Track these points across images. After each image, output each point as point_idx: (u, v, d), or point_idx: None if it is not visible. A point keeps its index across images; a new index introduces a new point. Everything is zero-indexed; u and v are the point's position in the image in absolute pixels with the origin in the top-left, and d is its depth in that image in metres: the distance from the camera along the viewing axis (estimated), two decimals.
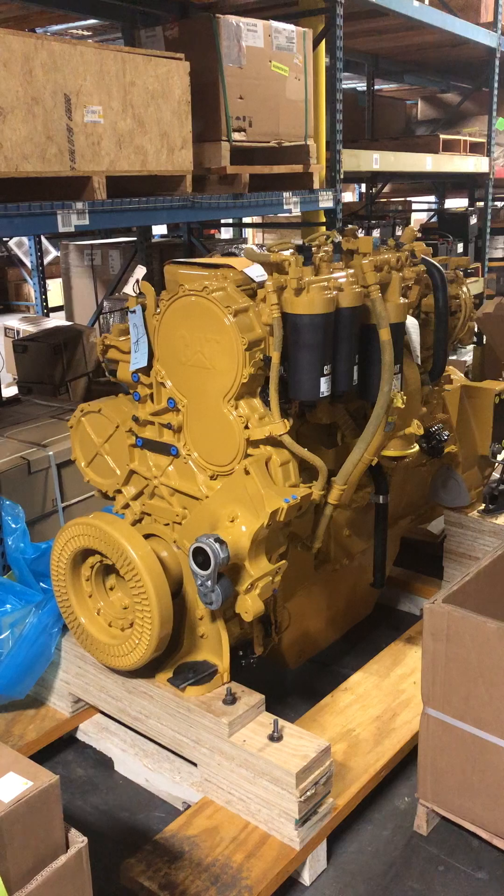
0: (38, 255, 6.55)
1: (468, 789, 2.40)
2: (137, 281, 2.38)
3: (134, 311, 2.46)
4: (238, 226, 7.79)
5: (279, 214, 5.36)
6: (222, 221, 8.05)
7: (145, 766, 2.69)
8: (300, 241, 2.36)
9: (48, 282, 7.71)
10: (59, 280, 7.26)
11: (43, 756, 2.86)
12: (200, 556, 2.24)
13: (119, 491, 2.71)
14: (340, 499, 2.51)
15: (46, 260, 6.76)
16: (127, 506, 2.70)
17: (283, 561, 2.40)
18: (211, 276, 2.41)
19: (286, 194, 4.66)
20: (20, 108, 3.23)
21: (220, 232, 9.34)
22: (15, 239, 6.68)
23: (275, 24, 4.41)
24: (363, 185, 9.18)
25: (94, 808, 2.68)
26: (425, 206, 11.57)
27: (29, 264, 6.59)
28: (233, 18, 4.17)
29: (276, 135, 4.57)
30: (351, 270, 2.37)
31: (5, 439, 4.10)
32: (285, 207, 4.73)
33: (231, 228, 8.52)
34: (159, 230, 10.44)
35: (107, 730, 2.86)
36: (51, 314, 7.08)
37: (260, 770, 2.31)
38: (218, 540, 2.22)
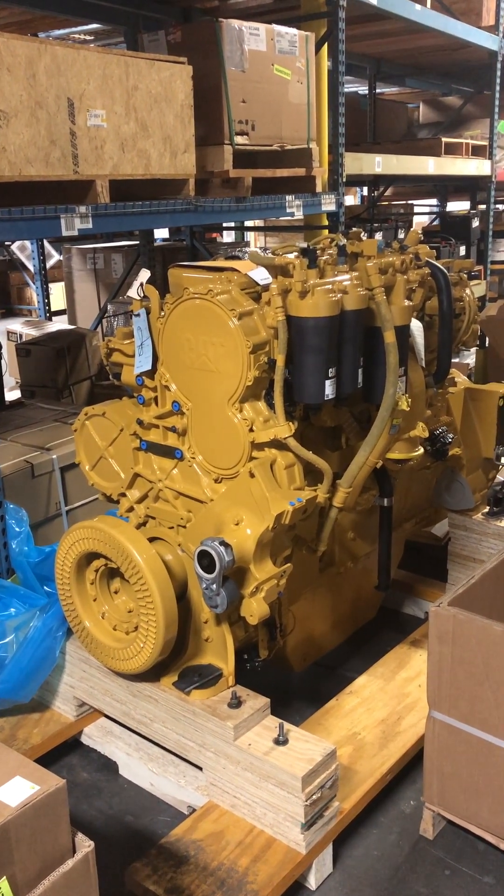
0: (41, 258, 6.56)
1: (474, 793, 2.39)
2: (141, 285, 2.38)
3: (138, 315, 2.46)
4: (240, 229, 7.80)
5: (282, 218, 5.37)
6: (224, 225, 8.06)
7: (150, 769, 2.69)
8: (305, 245, 2.36)
9: (51, 286, 7.73)
10: (62, 284, 7.27)
11: (47, 760, 2.86)
12: (205, 560, 2.24)
13: (123, 494, 2.71)
14: (345, 502, 2.50)
15: (49, 264, 6.78)
16: (131, 509, 2.70)
17: (289, 564, 2.40)
18: (215, 279, 2.41)
19: (289, 197, 4.67)
20: (24, 112, 3.24)
21: (221, 235, 9.37)
22: (17, 243, 6.69)
23: (277, 27, 4.42)
24: (365, 189, 9.18)
25: (98, 812, 2.67)
26: (427, 210, 11.57)
27: (31, 268, 6.61)
28: (235, 22, 4.18)
29: (278, 138, 4.58)
30: (355, 273, 2.37)
31: (8, 443, 4.11)
32: (288, 210, 4.73)
33: (233, 232, 8.53)
34: (161, 234, 10.47)
35: (111, 733, 2.85)
36: (53, 318, 7.10)
37: (265, 774, 2.30)
38: (223, 543, 2.22)
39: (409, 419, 2.65)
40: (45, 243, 6.65)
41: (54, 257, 6.89)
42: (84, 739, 2.93)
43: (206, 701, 2.46)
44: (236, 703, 2.43)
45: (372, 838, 2.54)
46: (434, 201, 11.23)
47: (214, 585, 2.23)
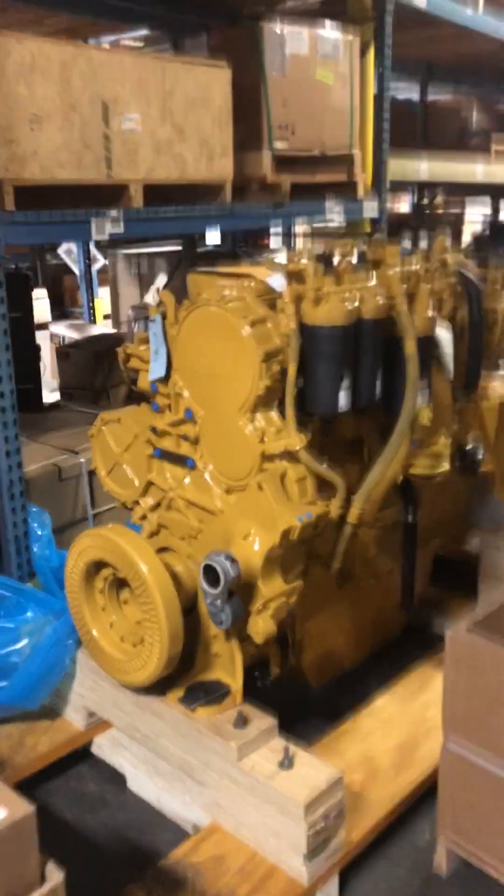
0: (87, 262, 6.60)
1: (490, 829, 2.27)
2: (158, 290, 2.33)
3: (153, 321, 2.41)
4: (287, 235, 7.75)
5: (328, 224, 5.29)
6: (271, 231, 8.01)
7: (157, 784, 2.63)
8: (321, 251, 2.29)
9: (100, 290, 7.76)
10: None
11: (57, 768, 2.82)
12: (210, 574, 2.17)
13: (137, 502, 2.66)
14: (360, 518, 2.41)
15: (95, 268, 6.81)
16: (144, 517, 2.65)
17: (299, 581, 2.31)
18: (231, 285, 2.34)
19: (329, 202, 4.58)
20: (56, 115, 3.23)
21: (269, 241, 9.34)
22: (63, 247, 6.75)
23: (320, 31, 4.34)
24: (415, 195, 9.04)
25: (102, 826, 2.62)
26: (480, 217, 11.33)
27: (77, 272, 6.66)
28: (277, 26, 4.11)
29: (319, 143, 4.49)
30: (375, 281, 2.28)
31: (40, 445, 4.11)
32: (328, 216, 4.65)
33: (279, 238, 8.53)
34: (213, 239, 10.47)
35: (121, 745, 2.79)
36: (102, 321, 7.11)
37: (268, 798, 2.22)
38: (229, 557, 2.15)
39: (433, 433, 2.54)
40: (91, 247, 6.70)
41: (100, 261, 6.93)
42: (94, 749, 2.89)
43: (212, 719, 2.39)
44: (242, 722, 2.35)
45: (381, 871, 2.43)
46: (487, 209, 10.98)
47: (219, 601, 2.16)
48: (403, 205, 13.46)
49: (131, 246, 7.79)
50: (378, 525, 2.72)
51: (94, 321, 6.79)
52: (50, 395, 5.94)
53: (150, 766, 2.67)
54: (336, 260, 2.28)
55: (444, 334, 2.67)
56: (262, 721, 2.38)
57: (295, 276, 2.19)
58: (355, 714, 2.89)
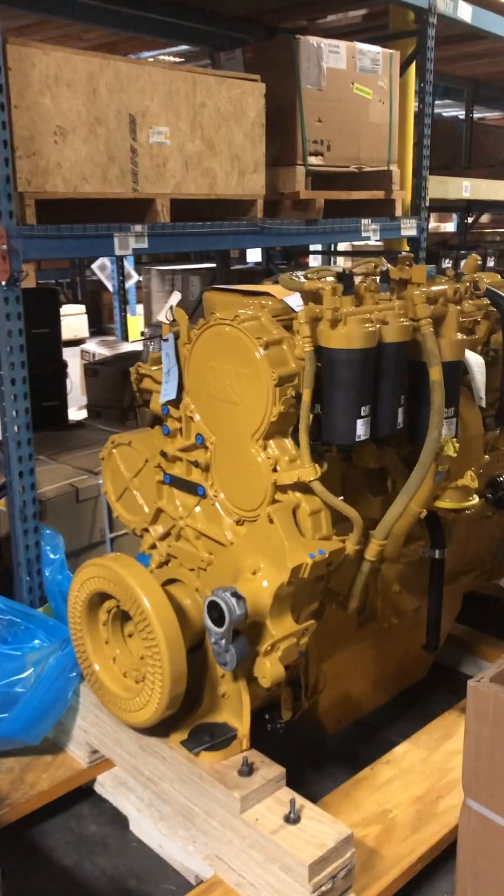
0: (120, 279, 6.55)
1: None
2: (171, 308, 2.23)
3: (166, 340, 2.30)
4: (326, 253, 7.63)
5: (368, 242, 5.16)
6: (311, 249, 7.89)
7: (160, 830, 2.48)
8: (341, 269, 2.14)
9: (138, 307, 7.69)
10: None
11: (57, 807, 2.69)
12: (215, 612, 2.03)
13: (147, 529, 2.54)
14: (380, 555, 2.25)
15: (129, 284, 6.76)
16: (154, 546, 2.52)
17: (312, 621, 2.16)
18: (248, 304, 2.22)
19: (364, 221, 4.45)
20: (82, 127, 3.15)
21: (309, 260, 9.23)
22: (97, 263, 6.72)
23: (359, 45, 4.22)
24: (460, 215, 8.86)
25: (101, 872, 2.48)
26: None
27: (111, 288, 6.61)
28: (313, 39, 4.01)
29: (356, 159, 4.37)
30: (400, 302, 2.13)
31: (59, 465, 4.01)
32: (363, 235, 4.51)
33: (319, 256, 8.40)
34: (254, 257, 10.37)
35: (124, 785, 2.65)
36: (135, 338, 7.05)
37: (271, 855, 2.06)
38: (235, 594, 2.01)
39: (462, 465, 2.38)
40: (125, 264, 6.66)
41: (134, 278, 6.88)
42: (97, 788, 2.75)
43: (216, 765, 2.24)
44: (248, 770, 2.20)
45: None
46: None
47: (223, 641, 2.02)
48: (449, 225, 13.28)
49: (166, 263, 7.75)
50: (402, 561, 2.56)
51: (127, 338, 6.72)
52: (78, 413, 5.89)
53: (154, 810, 2.52)
54: (358, 279, 2.13)
55: (474, 359, 2.51)
56: (270, 770, 2.22)
57: (312, 296, 2.05)
58: (374, 761, 2.71)
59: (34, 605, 3.22)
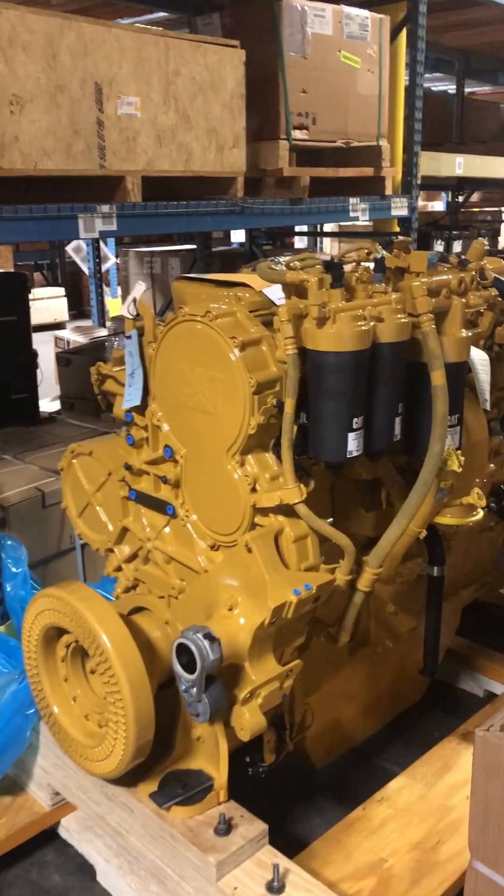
0: (96, 261, 6.22)
1: None
2: (135, 300, 1.94)
3: (129, 338, 2.00)
4: (313, 234, 7.30)
5: (355, 223, 4.87)
6: (296, 230, 7.57)
7: (129, 884, 2.21)
8: (329, 256, 1.83)
9: (119, 289, 7.36)
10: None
11: (18, 854, 2.42)
12: (185, 656, 1.75)
13: (112, 549, 2.25)
14: (374, 584, 1.97)
15: (107, 266, 6.44)
16: (119, 569, 2.24)
17: (298, 661, 1.88)
18: (222, 296, 1.92)
19: (353, 200, 4.15)
20: (41, 96, 2.84)
21: (294, 241, 8.90)
22: (73, 244, 6.37)
23: (346, 9, 3.90)
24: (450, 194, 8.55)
25: None
26: None
27: (86, 271, 6.29)
28: (297, 2, 3.69)
29: (343, 133, 4.06)
30: (397, 295, 1.84)
31: (25, 465, 3.72)
32: (351, 215, 4.22)
33: (305, 237, 8.06)
34: (239, 237, 10.02)
35: (91, 830, 2.38)
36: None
37: None
38: (208, 636, 1.73)
39: (465, 477, 2.10)
40: (102, 245, 6.32)
41: (110, 260, 6.55)
42: (61, 832, 2.48)
43: (189, 821, 1.97)
44: (225, 828, 1.93)
45: None
46: None
47: (195, 689, 1.74)
48: (437, 203, 12.94)
49: (148, 244, 7.40)
50: (398, 580, 2.29)
51: (104, 324, 6.40)
52: (51, 405, 5.58)
53: (123, 860, 2.25)
54: (348, 268, 1.84)
55: (478, 356, 2.23)
56: (250, 827, 1.96)
57: (295, 289, 1.75)
58: (366, 799, 2.46)
59: None
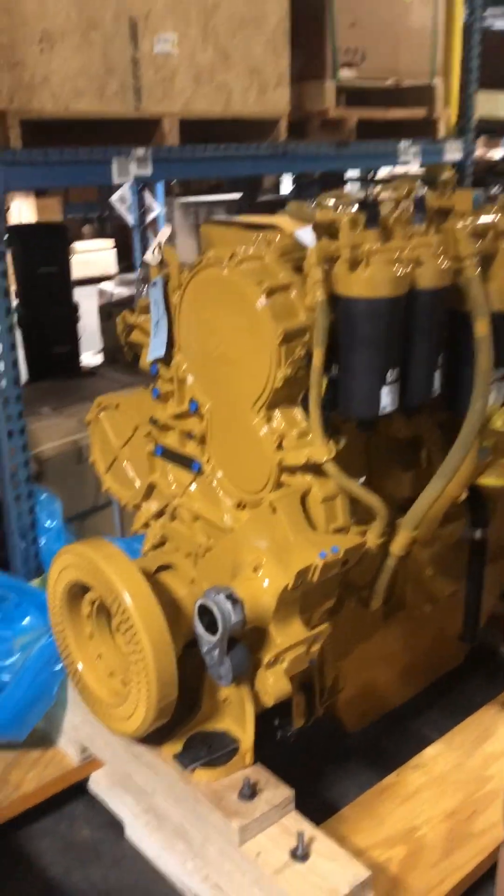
0: (141, 211, 6.10)
1: None
2: (159, 245, 1.84)
3: (154, 285, 1.90)
4: (363, 180, 7.04)
5: (406, 168, 4.65)
6: (347, 176, 7.31)
7: (156, 841, 2.19)
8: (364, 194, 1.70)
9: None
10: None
11: (47, 807, 2.42)
12: (207, 617, 1.69)
13: (139, 506, 2.19)
14: (409, 548, 1.87)
15: (152, 216, 6.32)
16: (147, 525, 2.18)
17: (325, 625, 1.80)
18: (251, 240, 1.81)
19: (403, 143, 3.94)
20: (73, 34, 2.72)
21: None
22: (117, 194, 6.25)
23: None
24: None
25: (90, 885, 2.21)
26: None
27: (130, 222, 6.18)
28: None
29: (394, 72, 3.84)
30: (438, 237, 1.70)
31: (63, 419, 3.67)
32: (401, 159, 4.00)
33: (357, 184, 7.77)
34: (290, 187, 9.74)
35: (120, 786, 2.37)
36: None
37: None
38: (231, 597, 1.66)
39: None
40: (147, 195, 6.21)
41: (155, 210, 6.41)
42: (91, 787, 2.47)
43: (213, 784, 1.93)
44: (250, 793, 1.88)
45: None
46: None
47: (216, 652, 1.68)
48: (497, 151, 12.40)
49: (199, 193, 7.23)
50: (438, 543, 2.19)
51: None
52: (94, 359, 5.53)
53: (151, 818, 2.23)
54: (387, 208, 1.71)
55: None
56: (275, 793, 1.90)
57: (326, 229, 1.63)
58: (401, 765, 2.39)
59: (30, 577, 2.93)
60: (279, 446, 1.71)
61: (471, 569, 2.37)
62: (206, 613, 1.68)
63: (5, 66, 2.61)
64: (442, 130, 4.12)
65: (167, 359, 1.94)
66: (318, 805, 2.40)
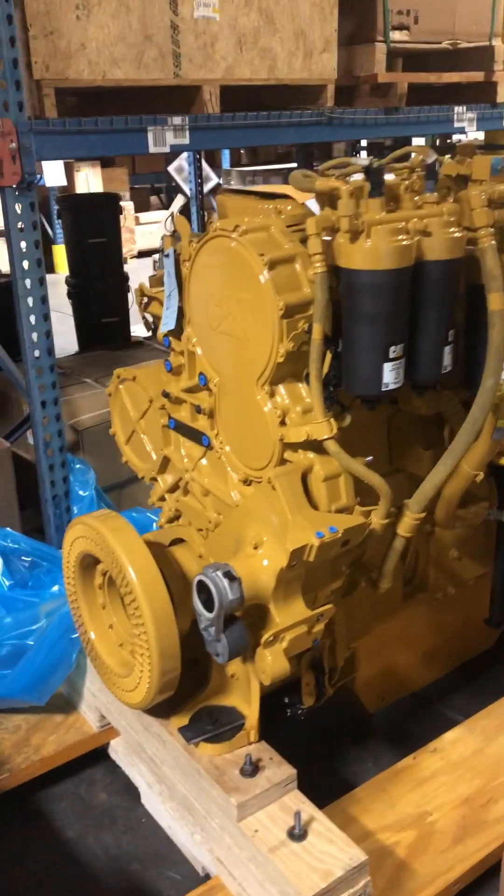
0: (198, 182, 6.06)
1: None
2: (172, 215, 1.80)
3: (167, 256, 1.88)
4: (419, 150, 6.81)
5: (462, 135, 4.47)
6: (413, 144, 7.11)
7: (169, 810, 2.22)
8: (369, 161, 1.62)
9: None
10: None
11: (67, 770, 2.47)
12: (204, 594, 1.67)
13: (155, 478, 2.19)
14: (416, 529, 1.81)
15: (208, 187, 6.27)
16: (163, 498, 2.17)
17: (330, 605, 1.76)
18: (263, 209, 1.76)
19: (458, 109, 3.79)
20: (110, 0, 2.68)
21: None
22: (174, 164, 6.21)
23: None
24: None
25: (103, 851, 2.25)
26: None
27: (188, 192, 6.14)
28: None
29: (450, 34, 3.69)
30: (452, 205, 1.62)
31: (103, 389, 3.70)
32: (456, 125, 3.85)
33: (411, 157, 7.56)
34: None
35: (137, 754, 2.40)
36: None
37: (270, 876, 1.75)
38: (228, 574, 1.64)
39: None
40: (204, 165, 6.15)
41: (213, 180, 6.37)
42: (111, 752, 2.51)
43: (216, 759, 1.93)
44: (251, 770, 1.88)
45: None
46: None
47: (213, 629, 1.66)
48: None
49: (266, 163, 7.14)
50: (459, 526, 2.12)
51: None
52: (142, 329, 5.54)
53: (164, 787, 2.25)
54: (398, 176, 1.63)
55: None
56: (277, 771, 1.89)
57: (328, 198, 1.57)
58: (422, 740, 2.35)
59: (61, 545, 2.98)
60: (282, 423, 1.68)
61: (498, 551, 2.29)
62: (203, 590, 1.67)
63: (41, 34, 2.60)
64: (502, 94, 3.95)
65: (178, 331, 1.92)
66: (334, 783, 2.39)
